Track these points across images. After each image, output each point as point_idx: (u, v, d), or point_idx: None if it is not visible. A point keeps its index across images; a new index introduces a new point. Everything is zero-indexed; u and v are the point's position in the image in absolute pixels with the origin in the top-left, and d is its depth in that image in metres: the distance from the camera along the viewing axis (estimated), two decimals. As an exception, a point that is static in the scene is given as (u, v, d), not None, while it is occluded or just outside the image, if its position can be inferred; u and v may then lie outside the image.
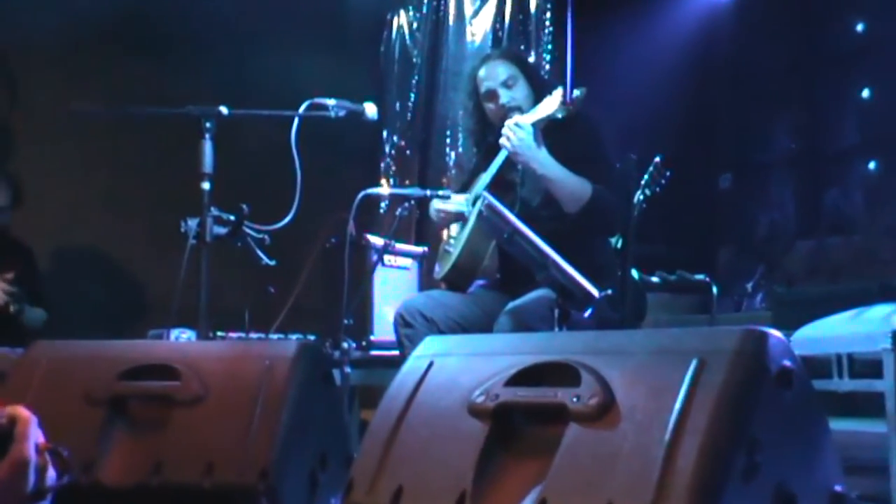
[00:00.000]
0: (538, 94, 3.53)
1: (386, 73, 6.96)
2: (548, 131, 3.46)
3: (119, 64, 5.62)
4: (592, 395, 1.68)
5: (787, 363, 1.64)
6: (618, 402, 1.66)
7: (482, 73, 3.68)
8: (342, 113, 3.44)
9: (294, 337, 4.17)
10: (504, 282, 3.59)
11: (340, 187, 4.15)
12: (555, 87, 3.42)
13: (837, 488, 1.70)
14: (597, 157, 3.49)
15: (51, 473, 1.47)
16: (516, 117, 3.43)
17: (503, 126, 3.43)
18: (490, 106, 3.66)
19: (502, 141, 3.39)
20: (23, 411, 1.46)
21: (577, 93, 3.41)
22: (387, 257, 4.46)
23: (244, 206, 3.26)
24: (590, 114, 3.55)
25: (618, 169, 3.65)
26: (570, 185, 3.38)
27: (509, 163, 3.48)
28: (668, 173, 4.21)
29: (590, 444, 1.63)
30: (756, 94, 6.63)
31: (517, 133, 3.34)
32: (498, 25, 6.54)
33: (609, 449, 1.60)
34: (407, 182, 6.68)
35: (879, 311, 3.22)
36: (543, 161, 3.37)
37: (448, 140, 6.67)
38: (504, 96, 3.61)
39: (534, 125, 3.39)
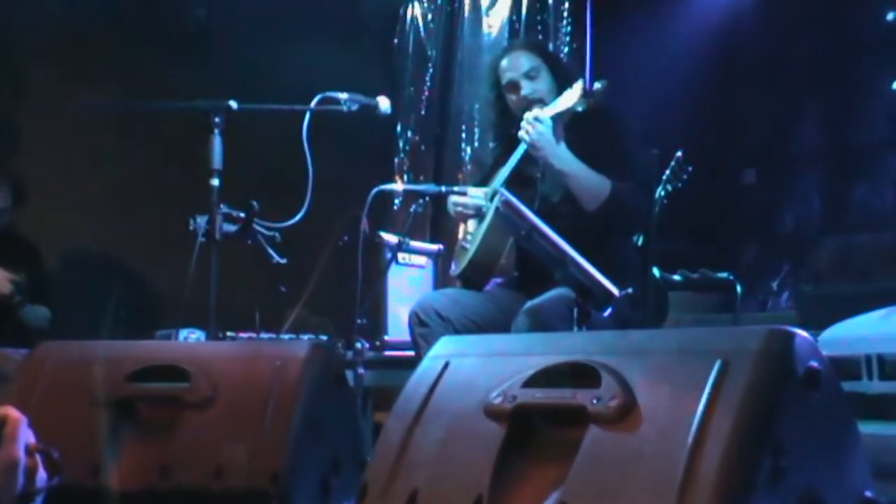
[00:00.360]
0: (562, 86, 3.52)
1: (399, 67, 6.96)
2: (571, 125, 3.46)
3: (126, 58, 5.64)
4: (613, 396, 1.67)
5: (814, 364, 1.63)
6: (639, 404, 1.65)
7: (504, 63, 3.68)
8: (355, 107, 3.44)
9: (306, 337, 4.18)
10: (522, 280, 3.58)
11: (353, 183, 4.16)
12: (577, 79, 3.41)
13: (867, 494, 1.69)
14: (619, 152, 3.48)
15: (41, 475, 1.47)
16: (535, 110, 3.43)
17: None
18: (512, 97, 3.66)
19: (521, 133, 3.39)
20: (12, 412, 1.47)
21: (597, 85, 3.40)
22: (401, 255, 4.46)
23: (254, 203, 3.27)
24: (615, 108, 3.53)
25: (641, 164, 3.64)
26: (589, 181, 3.38)
27: (530, 157, 3.48)
28: (689, 168, 4.20)
29: (610, 448, 1.62)
30: (781, 86, 6.60)
31: (536, 126, 3.34)
32: (515, 17, 6.53)
33: (630, 452, 1.60)
34: (421, 178, 6.68)
35: (910, 311, 3.20)
36: (562, 156, 3.37)
37: (463, 135, 6.67)
38: (526, 88, 3.61)
39: (553, 119, 3.38)
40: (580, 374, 1.75)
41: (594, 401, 1.68)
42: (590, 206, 3.39)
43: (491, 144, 3.94)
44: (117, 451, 2.12)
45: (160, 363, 2.22)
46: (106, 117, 5.33)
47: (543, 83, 3.61)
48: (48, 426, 1.86)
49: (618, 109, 3.57)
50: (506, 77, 3.66)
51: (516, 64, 3.65)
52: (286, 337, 4.21)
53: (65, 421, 2.11)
